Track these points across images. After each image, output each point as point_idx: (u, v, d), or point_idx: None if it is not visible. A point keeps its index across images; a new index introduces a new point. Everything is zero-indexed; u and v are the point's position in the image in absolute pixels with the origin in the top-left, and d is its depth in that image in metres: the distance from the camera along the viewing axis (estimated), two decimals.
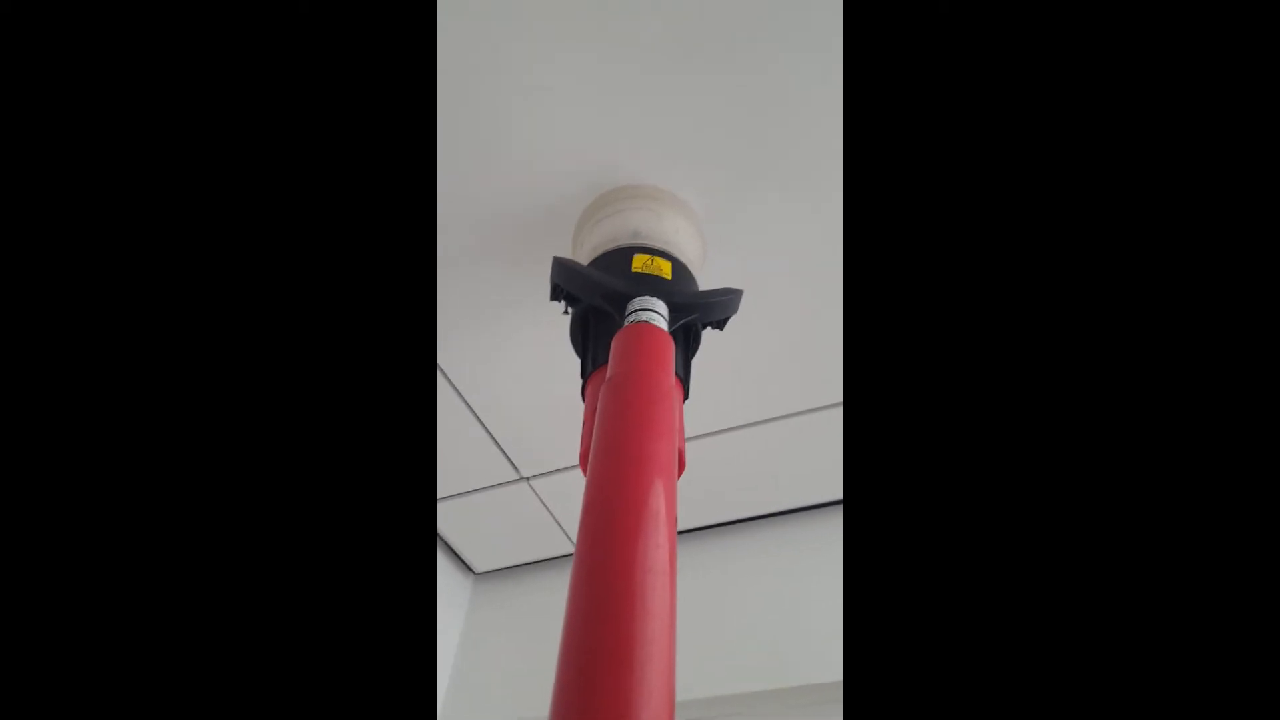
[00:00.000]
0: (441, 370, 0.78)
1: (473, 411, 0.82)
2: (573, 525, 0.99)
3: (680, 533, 1.01)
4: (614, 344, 0.48)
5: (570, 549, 1.04)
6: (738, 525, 0.99)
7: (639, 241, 0.59)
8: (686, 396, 0.53)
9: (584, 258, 0.61)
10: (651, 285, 0.55)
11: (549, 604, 1.02)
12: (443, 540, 1.05)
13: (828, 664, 0.81)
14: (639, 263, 0.57)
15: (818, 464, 0.87)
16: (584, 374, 0.55)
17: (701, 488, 0.91)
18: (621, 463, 0.38)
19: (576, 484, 0.91)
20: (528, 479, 0.92)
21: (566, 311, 0.60)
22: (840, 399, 0.78)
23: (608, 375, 0.45)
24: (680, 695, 0.33)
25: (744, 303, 0.61)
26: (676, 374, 0.51)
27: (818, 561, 0.91)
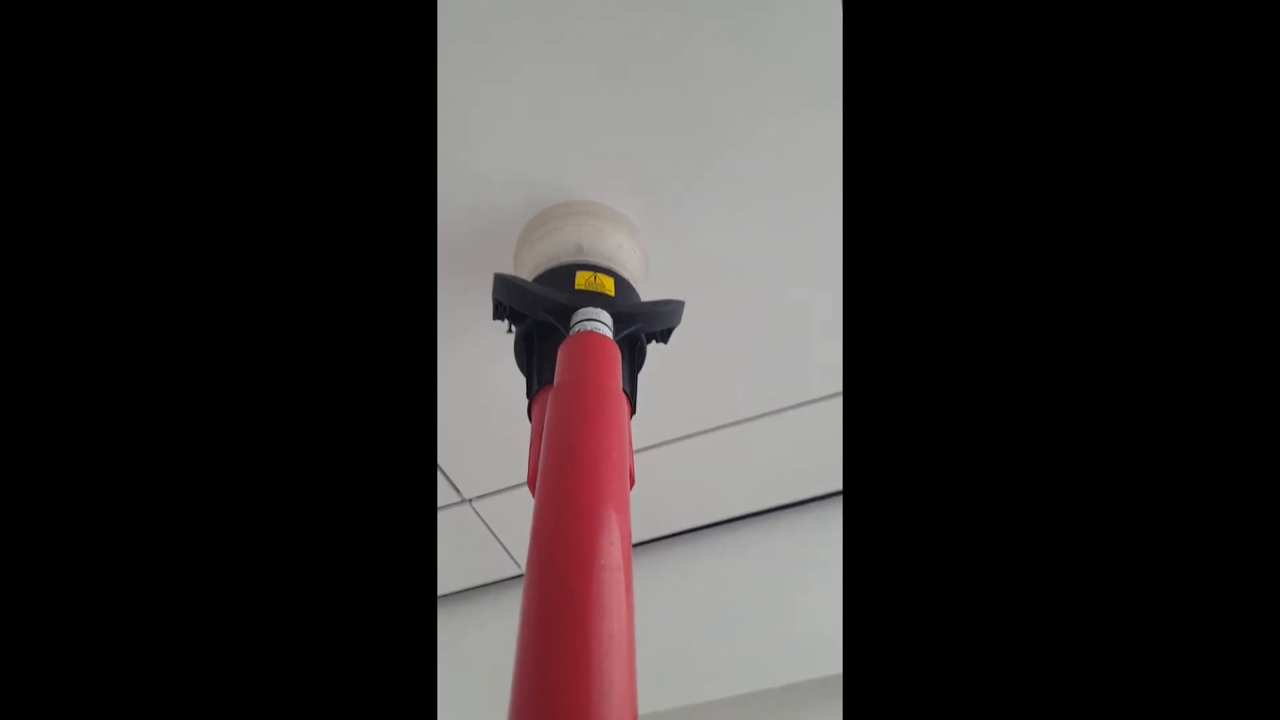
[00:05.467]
0: None
1: None
2: (518, 547, 0.98)
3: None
4: (560, 353, 0.48)
5: (517, 571, 1.02)
6: (691, 534, 1.00)
7: (582, 259, 0.60)
8: (634, 412, 0.54)
9: (526, 275, 0.62)
10: (595, 300, 0.55)
11: (499, 628, 1.01)
12: None
13: (792, 667, 0.83)
14: (582, 280, 0.58)
15: (773, 467, 0.89)
16: (529, 393, 0.55)
17: (654, 498, 0.92)
18: (573, 464, 0.38)
19: (521, 504, 0.90)
20: (470, 500, 0.90)
21: (510, 330, 0.60)
22: (791, 402, 0.81)
23: (555, 383, 0.45)
24: (645, 708, 0.33)
25: (690, 312, 0.63)
26: (623, 389, 0.51)
27: (767, 565, 0.93)
